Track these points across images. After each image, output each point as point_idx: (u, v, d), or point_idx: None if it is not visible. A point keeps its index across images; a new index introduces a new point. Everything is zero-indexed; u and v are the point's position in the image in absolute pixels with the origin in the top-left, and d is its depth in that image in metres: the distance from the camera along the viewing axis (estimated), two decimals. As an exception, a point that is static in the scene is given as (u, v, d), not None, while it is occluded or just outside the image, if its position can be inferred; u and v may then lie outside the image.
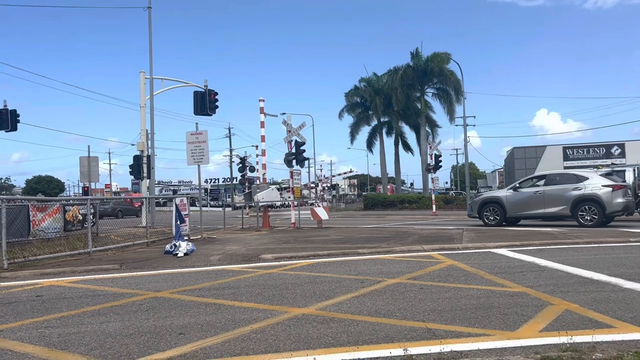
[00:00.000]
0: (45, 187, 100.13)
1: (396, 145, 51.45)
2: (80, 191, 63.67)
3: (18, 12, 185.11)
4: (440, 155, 32.41)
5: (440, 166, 32.59)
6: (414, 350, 3.91)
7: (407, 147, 51.55)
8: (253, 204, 20.90)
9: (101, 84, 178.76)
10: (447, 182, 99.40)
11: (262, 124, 21.29)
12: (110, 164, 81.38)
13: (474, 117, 60.99)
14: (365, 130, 52.37)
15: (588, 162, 36.79)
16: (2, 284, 8.12)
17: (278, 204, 35.97)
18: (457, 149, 75.13)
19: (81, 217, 14.75)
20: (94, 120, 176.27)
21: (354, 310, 5.36)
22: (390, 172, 55.55)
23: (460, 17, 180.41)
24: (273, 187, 21.44)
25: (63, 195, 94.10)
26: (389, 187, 54.19)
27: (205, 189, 75.02)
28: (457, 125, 45.89)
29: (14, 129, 24.36)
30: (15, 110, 24.19)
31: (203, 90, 20.63)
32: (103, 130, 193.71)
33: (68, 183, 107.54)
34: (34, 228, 13.46)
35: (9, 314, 5.80)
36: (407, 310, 5.29)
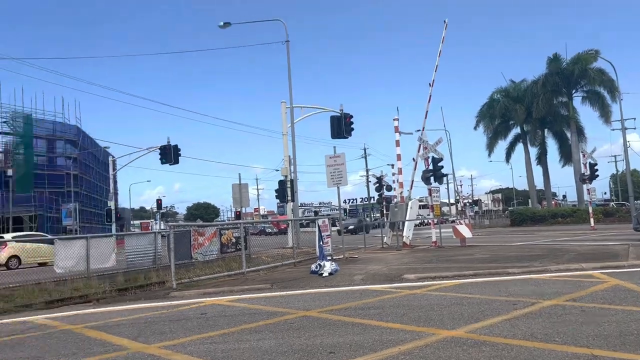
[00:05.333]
0: (202, 212, 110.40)
1: (543, 155, 47.91)
2: (232, 215, 68.96)
3: (175, 59, 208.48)
4: (596, 164, 29.51)
5: (597, 175, 29.67)
6: (579, 379, 3.60)
7: (560, 158, 47.60)
8: (395, 222, 20.84)
9: (244, 115, 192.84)
10: (605, 193, 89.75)
11: (397, 143, 21.30)
12: (257, 189, 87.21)
13: (634, 119, 54.58)
14: (505, 141, 49.59)
15: None
16: (172, 302, 9.11)
17: (417, 221, 35.44)
18: (615, 156, 67.40)
19: (234, 240, 16.02)
20: (240, 150, 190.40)
21: (507, 334, 5.08)
22: (539, 184, 51.73)
23: (610, 10, 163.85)
24: (413, 201, 20.93)
25: (218, 220, 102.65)
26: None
27: (344, 209, 76.73)
28: (613, 130, 41.38)
29: (177, 162, 27.60)
30: (176, 145, 27.42)
31: (339, 115, 21.30)
32: (248, 159, 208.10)
33: (222, 208, 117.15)
34: (194, 251, 14.90)
35: (179, 329, 6.47)
36: (567, 335, 4.89)
